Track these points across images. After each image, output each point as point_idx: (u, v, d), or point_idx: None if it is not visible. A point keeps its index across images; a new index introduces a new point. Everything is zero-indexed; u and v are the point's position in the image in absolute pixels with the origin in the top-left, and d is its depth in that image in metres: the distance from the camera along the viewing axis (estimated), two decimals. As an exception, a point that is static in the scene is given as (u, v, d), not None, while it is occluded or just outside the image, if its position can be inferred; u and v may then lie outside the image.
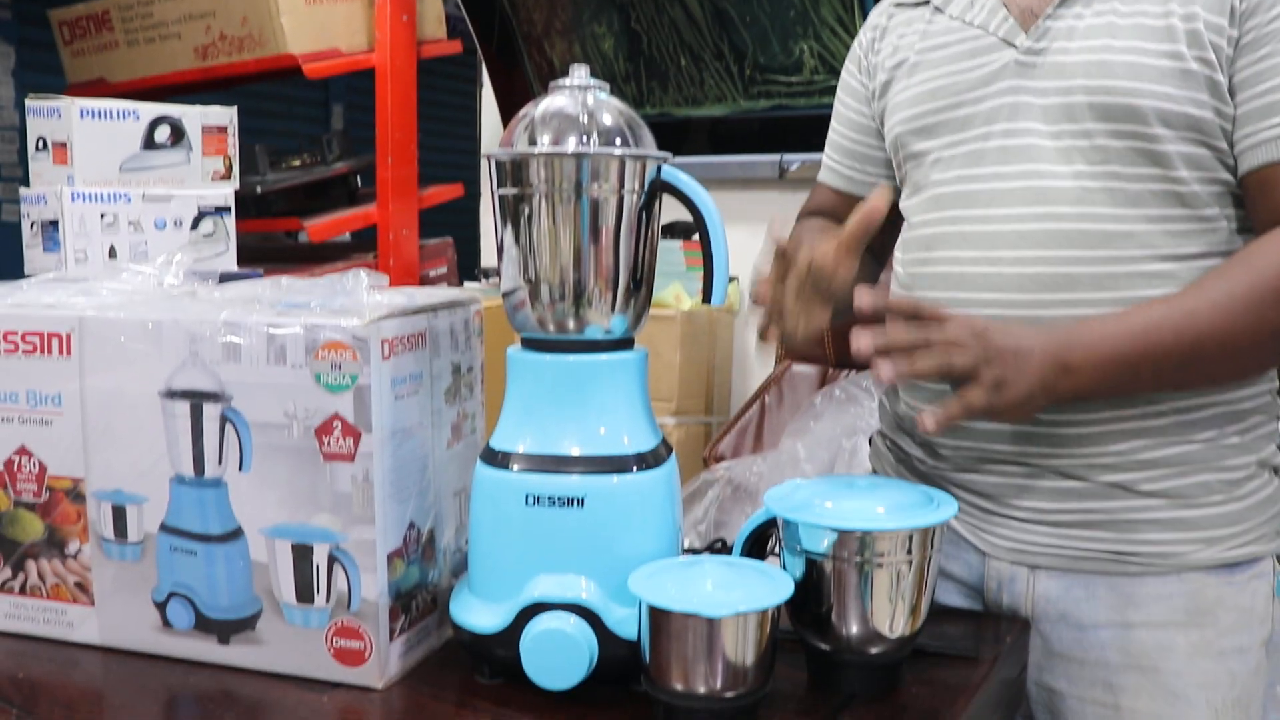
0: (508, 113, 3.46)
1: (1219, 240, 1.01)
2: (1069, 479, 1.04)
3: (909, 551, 0.87)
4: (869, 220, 0.97)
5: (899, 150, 1.16)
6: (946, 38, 1.11)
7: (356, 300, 0.90)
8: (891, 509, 0.89)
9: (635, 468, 0.87)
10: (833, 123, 1.28)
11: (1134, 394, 1.01)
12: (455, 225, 2.77)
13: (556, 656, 0.85)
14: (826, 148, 1.29)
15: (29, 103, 1.73)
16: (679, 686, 0.81)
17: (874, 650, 0.89)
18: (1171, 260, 1.00)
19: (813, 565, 0.88)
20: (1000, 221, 1.04)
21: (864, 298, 0.94)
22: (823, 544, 0.88)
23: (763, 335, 1.02)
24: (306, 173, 2.37)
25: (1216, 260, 1.00)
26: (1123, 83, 0.99)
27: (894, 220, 1.20)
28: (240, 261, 1.90)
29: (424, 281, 2.39)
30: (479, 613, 0.89)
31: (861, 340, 0.93)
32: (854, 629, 0.88)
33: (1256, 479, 1.05)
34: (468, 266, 2.84)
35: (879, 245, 1.24)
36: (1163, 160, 0.99)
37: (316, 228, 2.24)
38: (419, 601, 0.95)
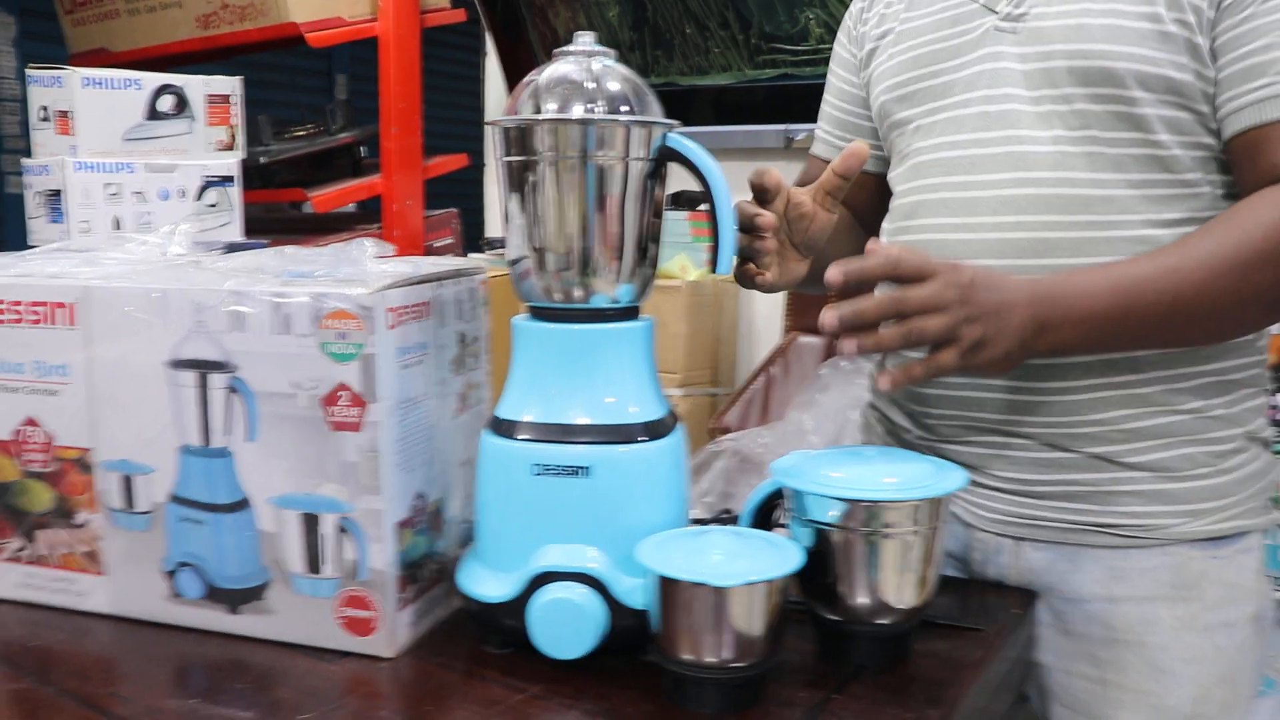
0: (512, 82, 3.44)
1: (1201, 205, 1.00)
2: (1053, 449, 1.04)
3: (917, 522, 0.87)
4: (848, 165, 0.97)
5: (884, 119, 1.17)
6: (930, 6, 1.13)
7: (362, 269, 0.90)
8: (900, 479, 0.89)
9: (642, 437, 0.87)
10: (825, 94, 1.29)
11: (1112, 351, 1.00)
12: (460, 196, 2.76)
13: (565, 626, 0.85)
14: (819, 120, 1.30)
15: (30, 72, 1.72)
16: (688, 656, 0.81)
17: (882, 621, 0.89)
18: (1153, 226, 0.99)
19: (821, 536, 0.88)
20: (980, 188, 1.04)
21: (832, 272, 0.88)
22: (830, 514, 0.87)
23: (739, 279, 1.01)
24: (311, 143, 2.36)
25: (1198, 226, 0.99)
26: (1100, 45, 0.98)
27: (883, 193, 1.20)
28: (246, 233, 1.89)
29: (429, 252, 2.38)
30: (487, 582, 0.89)
31: (825, 315, 0.88)
32: (862, 600, 0.88)
33: (1244, 452, 1.04)
34: (473, 237, 2.84)
35: (868, 218, 1.24)
36: (1142, 124, 0.98)
37: (321, 198, 2.23)
38: (427, 571, 0.95)
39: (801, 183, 1.26)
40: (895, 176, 1.15)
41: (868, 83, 1.20)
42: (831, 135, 1.27)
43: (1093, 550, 1.05)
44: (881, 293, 0.90)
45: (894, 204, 1.15)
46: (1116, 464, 1.02)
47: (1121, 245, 0.99)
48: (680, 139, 0.89)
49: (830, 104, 1.28)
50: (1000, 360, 0.91)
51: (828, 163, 1.24)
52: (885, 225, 1.17)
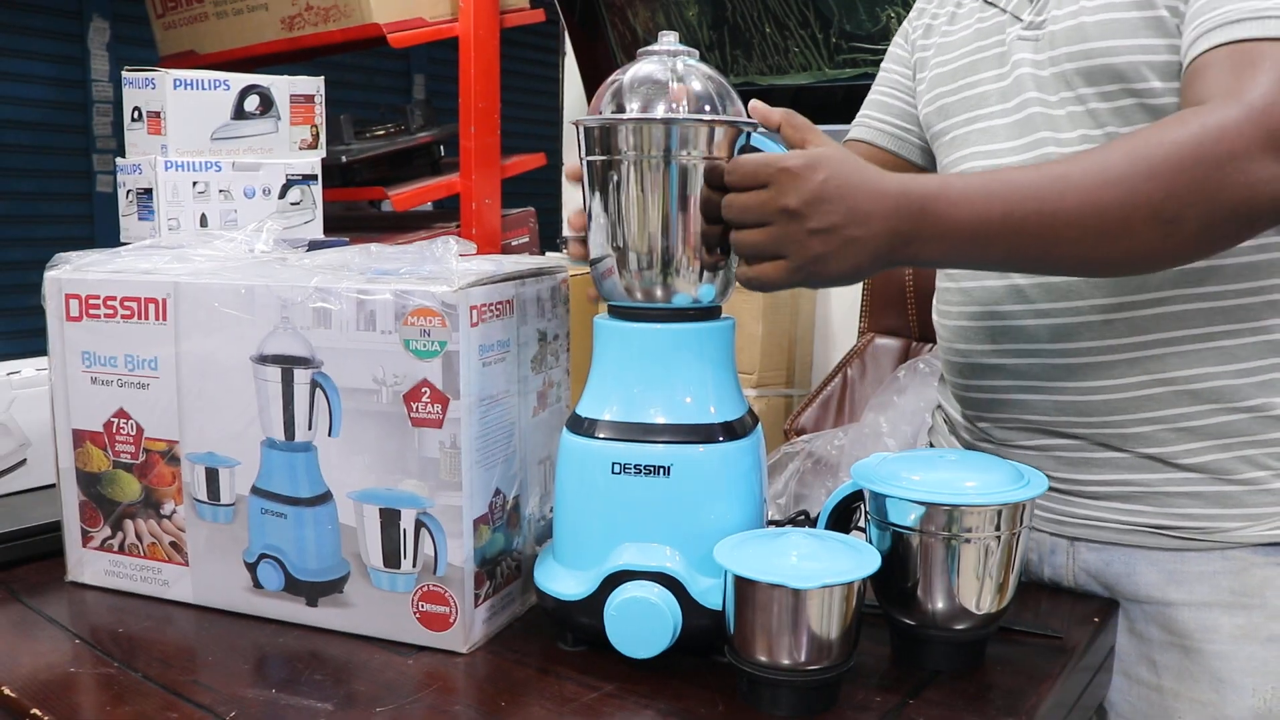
0: (590, 82, 3.45)
1: None
2: (1104, 449, 1.02)
3: (998, 527, 0.86)
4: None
5: (927, 130, 1.18)
6: (967, 20, 1.14)
7: (445, 267, 0.91)
8: (981, 484, 0.88)
9: (721, 437, 0.87)
10: (874, 86, 1.28)
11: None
12: (537, 195, 2.77)
13: (640, 625, 0.85)
14: (864, 108, 1.28)
15: (125, 74, 1.77)
16: (763, 658, 0.80)
17: (959, 627, 0.88)
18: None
19: (899, 539, 0.87)
20: None
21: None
22: (910, 518, 0.87)
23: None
24: (390, 142, 2.39)
25: None
26: (1099, 43, 0.98)
27: None
28: (326, 230, 1.92)
29: (506, 250, 2.40)
30: (563, 580, 0.89)
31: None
32: (939, 605, 0.87)
33: None
34: (549, 236, 2.85)
35: None
36: (1157, 113, 0.96)
37: (400, 197, 2.26)
38: (504, 568, 0.95)
39: None
40: None
41: (918, 88, 1.21)
42: (877, 120, 1.26)
43: (1149, 552, 1.03)
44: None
45: None
46: (1171, 465, 1.00)
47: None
48: (763, 138, 0.88)
49: (881, 92, 1.27)
50: (847, 274, 0.83)
51: (871, 146, 1.26)
52: None
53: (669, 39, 0.89)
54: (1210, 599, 1.01)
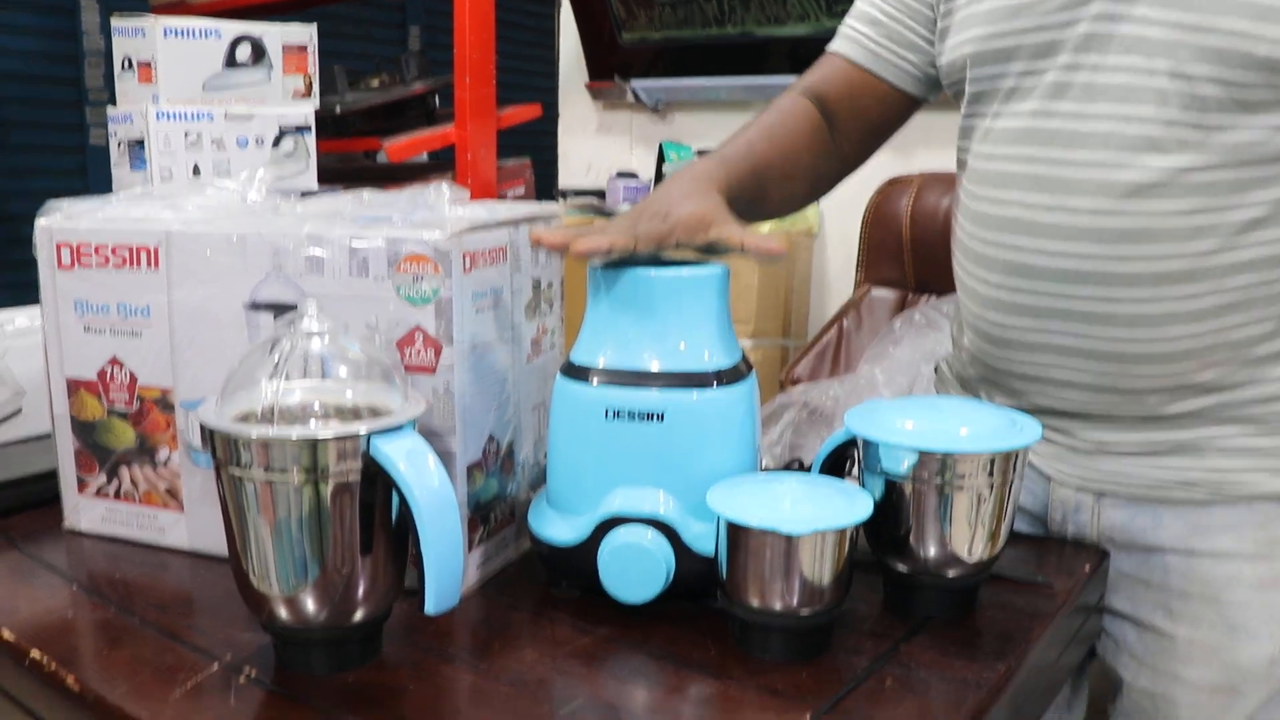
0: (586, 32, 3.43)
1: None
2: (1136, 403, 1.01)
3: (991, 475, 0.86)
4: (763, 255, 0.92)
5: (964, 69, 1.06)
6: None
7: (438, 214, 0.90)
8: (974, 431, 0.88)
9: (715, 384, 0.87)
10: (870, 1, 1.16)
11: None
12: (533, 147, 2.76)
13: (633, 570, 0.86)
14: (849, 19, 1.17)
15: (114, 22, 1.75)
16: (755, 603, 0.81)
17: (951, 574, 0.88)
18: (1262, 207, 0.92)
19: (892, 486, 0.88)
20: (1078, 167, 0.95)
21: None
22: (903, 465, 0.87)
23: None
24: (385, 93, 2.38)
25: None
26: (1240, 23, 0.86)
27: (907, 113, 1.16)
28: (320, 181, 1.91)
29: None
30: (557, 525, 0.90)
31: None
32: (932, 551, 0.88)
33: None
34: (545, 188, 2.84)
35: (869, 134, 1.19)
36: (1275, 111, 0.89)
37: (395, 148, 2.25)
38: (497, 513, 0.96)
39: (809, 87, 1.17)
40: (979, 135, 1.06)
41: (948, 19, 1.08)
42: (867, 37, 1.14)
43: (1175, 505, 1.03)
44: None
45: (979, 167, 1.05)
46: (1203, 418, 1.00)
47: (1225, 230, 0.92)
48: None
49: (876, 7, 1.14)
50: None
51: (853, 64, 1.15)
52: (969, 188, 1.07)
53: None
54: (1234, 549, 1.01)
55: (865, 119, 1.18)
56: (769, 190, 1.10)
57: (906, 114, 1.17)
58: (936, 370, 1.26)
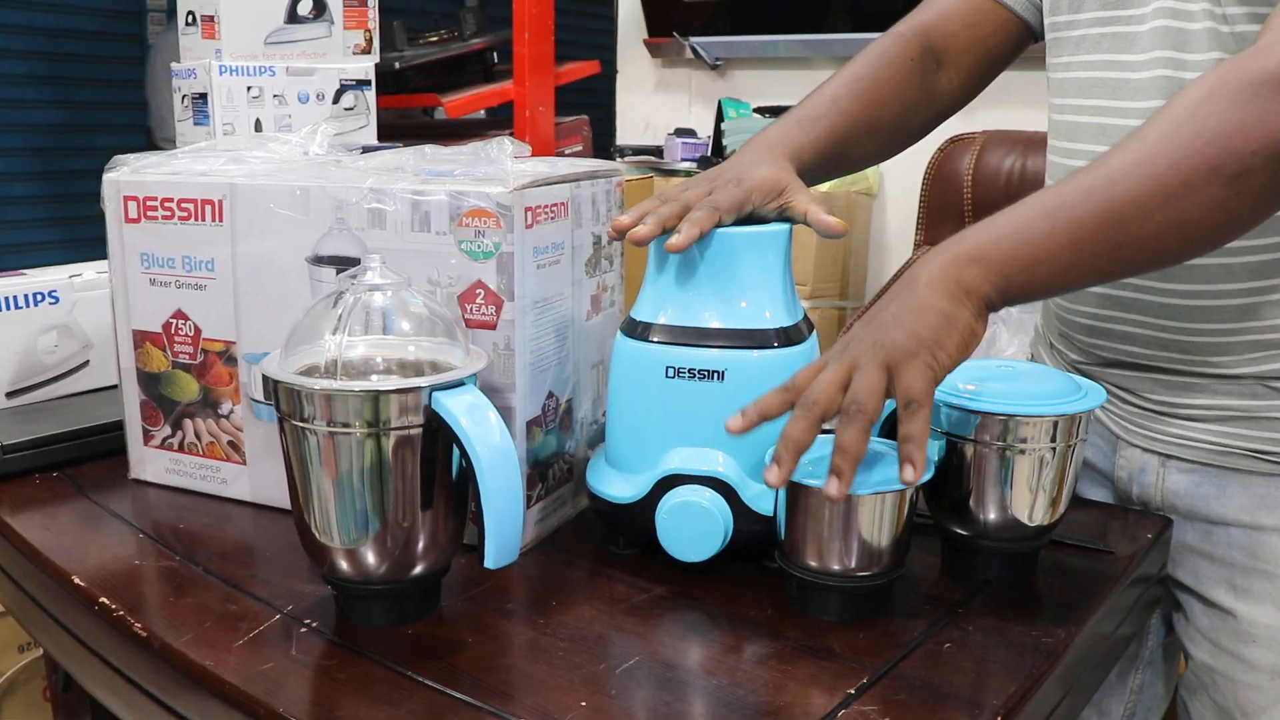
0: (645, -11, 3.39)
1: None
2: (1208, 378, 0.99)
3: (1053, 439, 0.85)
4: (827, 231, 0.89)
5: (1047, 16, 1.06)
6: None
7: (500, 169, 0.90)
8: (1037, 394, 0.86)
9: (776, 343, 0.86)
10: None
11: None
12: (591, 105, 2.74)
13: (691, 529, 0.86)
14: None
15: (178, -25, 1.75)
16: (813, 563, 0.81)
17: (1011, 538, 0.87)
18: None
19: (953, 449, 0.87)
20: (1139, 116, 0.90)
21: (733, 423, 0.79)
22: (964, 427, 0.86)
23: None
24: (443, 49, 2.37)
25: None
26: None
27: (1023, 44, 1.12)
28: (379, 138, 1.91)
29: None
30: (615, 483, 0.90)
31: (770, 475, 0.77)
32: (992, 515, 0.87)
33: None
34: (603, 145, 2.83)
35: (987, 66, 1.14)
36: None
37: (454, 104, 2.24)
38: (556, 470, 0.96)
39: (921, 24, 1.12)
40: (1055, 82, 1.06)
41: None
42: None
43: (1242, 475, 1.00)
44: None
45: (1055, 117, 1.06)
46: (1272, 389, 0.98)
47: None
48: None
49: None
50: (917, 343, 0.76)
51: None
52: (1051, 137, 1.07)
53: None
54: None
55: (983, 50, 1.13)
56: (850, 149, 1.06)
57: (1019, 49, 1.13)
58: (1037, 330, 1.25)
